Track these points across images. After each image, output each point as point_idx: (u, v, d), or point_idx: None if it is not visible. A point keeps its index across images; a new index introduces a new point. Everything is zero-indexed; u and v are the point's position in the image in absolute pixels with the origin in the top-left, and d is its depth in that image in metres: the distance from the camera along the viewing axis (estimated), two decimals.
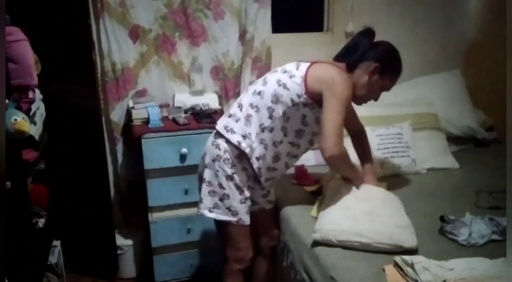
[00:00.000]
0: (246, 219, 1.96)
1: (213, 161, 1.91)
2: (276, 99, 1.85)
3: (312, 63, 1.89)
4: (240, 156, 1.90)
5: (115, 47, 2.58)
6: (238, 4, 2.69)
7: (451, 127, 2.85)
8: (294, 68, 1.89)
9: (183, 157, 2.42)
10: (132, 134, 2.49)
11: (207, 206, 1.94)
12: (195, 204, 2.43)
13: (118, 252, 2.70)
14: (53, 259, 2.30)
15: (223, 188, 1.91)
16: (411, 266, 1.54)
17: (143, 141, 2.39)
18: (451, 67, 3.12)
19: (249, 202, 1.97)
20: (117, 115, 2.67)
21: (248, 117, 1.89)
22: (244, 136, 1.88)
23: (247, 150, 1.88)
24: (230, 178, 1.90)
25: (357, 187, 1.99)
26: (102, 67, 2.62)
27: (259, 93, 1.89)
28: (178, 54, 2.73)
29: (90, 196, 2.68)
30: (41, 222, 2.06)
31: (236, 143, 1.87)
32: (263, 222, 2.15)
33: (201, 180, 1.99)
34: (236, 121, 1.91)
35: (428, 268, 1.53)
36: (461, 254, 1.68)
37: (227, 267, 2.09)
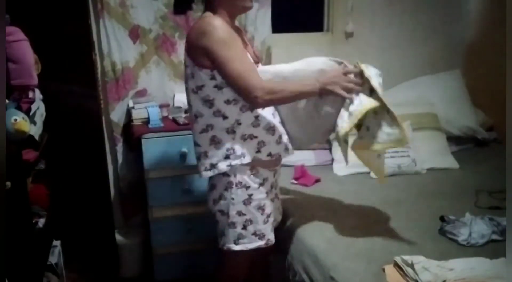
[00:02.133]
0: (272, 238, 1.84)
1: (226, 189, 1.77)
2: (208, 103, 1.69)
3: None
4: (253, 169, 1.76)
5: (115, 47, 2.58)
6: None
7: (451, 127, 2.85)
8: (185, 72, 1.76)
9: (183, 157, 2.42)
10: (132, 134, 2.49)
11: (231, 239, 1.79)
12: (195, 203, 2.45)
13: (118, 252, 2.70)
14: (53, 259, 2.30)
15: (243, 215, 1.77)
16: (411, 266, 1.55)
17: (143, 140, 2.39)
18: (451, 67, 3.12)
19: (272, 218, 1.85)
20: (117, 115, 2.67)
21: (213, 139, 1.73)
22: (227, 156, 1.72)
23: (245, 160, 1.73)
24: (247, 201, 1.76)
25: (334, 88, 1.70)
26: (102, 67, 2.62)
27: (195, 118, 1.74)
28: (178, 54, 2.72)
29: (90, 196, 2.68)
30: (41, 222, 2.06)
31: (227, 168, 1.73)
32: None
33: (212, 214, 1.85)
34: (206, 155, 1.76)
35: (428, 268, 1.53)
36: (461, 254, 1.68)
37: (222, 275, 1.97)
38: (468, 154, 2.81)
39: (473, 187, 2.28)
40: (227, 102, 1.69)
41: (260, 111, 1.74)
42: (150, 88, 2.72)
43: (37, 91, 2.12)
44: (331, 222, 1.99)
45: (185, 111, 2.64)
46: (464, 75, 3.12)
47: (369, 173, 2.52)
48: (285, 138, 1.83)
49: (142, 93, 2.70)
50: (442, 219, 1.88)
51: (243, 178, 1.75)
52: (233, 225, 1.78)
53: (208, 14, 1.69)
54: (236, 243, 1.80)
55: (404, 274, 1.55)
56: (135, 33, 2.61)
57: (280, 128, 1.81)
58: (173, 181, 2.46)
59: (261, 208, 1.79)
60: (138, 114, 2.56)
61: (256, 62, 1.82)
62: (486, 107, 3.08)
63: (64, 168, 2.64)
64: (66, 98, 2.56)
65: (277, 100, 1.70)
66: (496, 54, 2.72)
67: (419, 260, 1.57)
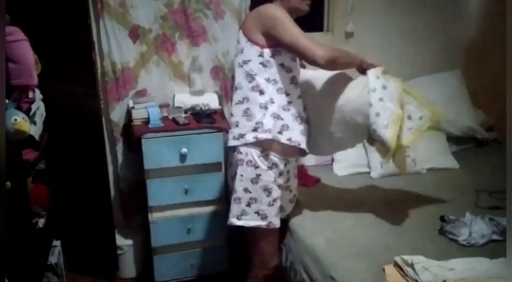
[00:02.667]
0: (277, 222, 1.90)
1: (236, 166, 1.89)
2: (250, 77, 1.85)
3: (240, 27, 1.93)
4: (264, 151, 1.86)
5: (115, 47, 2.58)
6: (238, 4, 2.69)
7: (451, 127, 2.85)
8: (238, 45, 1.90)
9: (183, 157, 2.42)
10: (132, 134, 2.49)
11: (235, 214, 1.90)
12: (195, 203, 2.45)
13: (118, 252, 2.70)
14: (53, 259, 2.30)
15: (249, 192, 1.87)
16: (411, 266, 1.55)
17: (143, 140, 2.39)
18: (451, 67, 3.12)
19: (278, 203, 1.90)
20: (117, 115, 2.67)
21: (246, 112, 1.87)
22: (256, 129, 1.85)
23: (268, 135, 1.84)
24: (255, 180, 1.86)
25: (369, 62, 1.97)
26: (102, 67, 2.62)
27: (236, 88, 1.90)
28: (178, 54, 2.72)
29: (90, 196, 2.68)
30: (41, 222, 2.06)
31: (253, 140, 1.84)
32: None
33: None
34: (237, 125, 1.89)
35: (428, 268, 1.53)
36: (461, 254, 1.68)
37: (251, 272, 2.04)
38: (468, 154, 2.81)
39: (473, 187, 2.28)
40: (267, 80, 1.84)
41: (293, 98, 1.88)
42: (150, 88, 2.72)
43: (37, 91, 2.11)
44: (331, 222, 1.99)
45: (185, 111, 2.65)
46: (464, 75, 3.12)
47: (369, 173, 2.52)
48: (305, 134, 1.93)
49: (142, 93, 2.70)
50: (442, 219, 1.88)
51: (253, 158, 1.85)
52: (238, 200, 1.88)
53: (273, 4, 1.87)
54: (238, 218, 1.89)
55: (404, 274, 1.56)
56: (135, 33, 2.61)
57: (305, 125, 1.94)
58: (173, 181, 2.46)
59: (267, 190, 1.86)
60: (138, 114, 2.55)
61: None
62: (486, 107, 3.08)
63: (64, 168, 2.63)
64: (66, 98, 2.55)
65: (334, 66, 1.86)
66: (496, 54, 2.72)
67: (419, 260, 1.57)
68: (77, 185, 2.69)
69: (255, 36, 1.82)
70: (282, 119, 1.86)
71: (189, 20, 2.67)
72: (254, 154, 1.85)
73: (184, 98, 2.71)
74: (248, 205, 1.87)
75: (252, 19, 1.85)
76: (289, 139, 1.87)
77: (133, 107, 2.58)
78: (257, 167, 1.85)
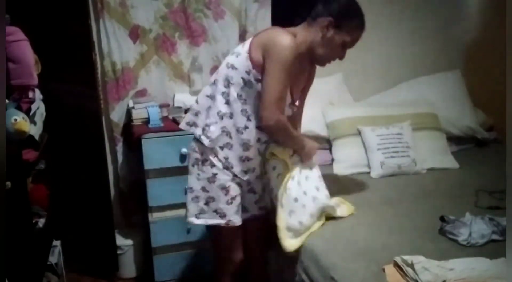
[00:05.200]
0: (236, 220, 1.88)
1: (193, 165, 1.87)
2: (227, 82, 1.79)
3: (255, 35, 1.82)
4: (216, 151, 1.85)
5: (115, 47, 2.58)
6: (238, 4, 2.70)
7: (451, 127, 2.85)
8: (240, 47, 1.83)
9: (183, 157, 2.42)
10: (132, 134, 2.49)
11: (193, 213, 1.88)
12: None
13: (118, 252, 2.70)
14: (53, 259, 2.30)
15: (207, 191, 1.85)
16: (411, 266, 1.54)
17: (143, 141, 2.39)
18: (451, 67, 3.12)
19: (237, 201, 1.88)
20: (117, 115, 2.67)
21: (208, 109, 1.84)
22: (203, 129, 1.83)
23: (206, 142, 1.81)
24: (211, 179, 1.83)
25: (304, 158, 1.91)
26: (102, 67, 2.62)
27: (214, 82, 1.85)
28: (178, 54, 2.73)
29: (90, 196, 2.68)
30: (41, 222, 2.06)
31: (197, 136, 1.84)
32: (254, 231, 2.03)
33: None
34: (196, 114, 1.87)
35: (428, 268, 1.53)
36: (461, 254, 1.68)
37: (218, 268, 2.04)
38: (468, 154, 2.81)
39: (473, 187, 2.27)
40: (239, 96, 1.78)
41: (251, 125, 1.80)
42: (150, 88, 2.72)
43: (37, 91, 2.12)
44: (331, 222, 1.99)
45: (185, 111, 2.65)
46: (464, 75, 3.12)
47: (369, 173, 2.52)
48: (244, 161, 1.86)
49: (142, 93, 2.70)
50: (442, 219, 1.88)
51: (208, 157, 1.83)
52: (196, 199, 1.86)
53: (293, 31, 1.79)
54: (197, 217, 1.88)
55: (404, 274, 1.55)
56: (135, 33, 2.61)
57: (259, 159, 1.90)
58: (173, 181, 2.46)
59: (224, 189, 1.85)
60: (138, 114, 2.56)
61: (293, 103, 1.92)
62: (486, 107, 3.08)
63: (64, 168, 2.63)
64: (66, 98, 2.55)
65: (277, 133, 1.81)
66: (496, 54, 2.72)
67: (419, 260, 1.57)
68: (77, 185, 2.69)
69: (255, 52, 1.73)
70: (230, 138, 1.81)
71: (189, 20, 2.68)
72: (209, 152, 1.83)
73: (184, 98, 2.71)
74: (207, 203, 1.85)
75: (266, 37, 1.75)
76: (226, 158, 1.82)
77: (133, 107, 2.58)
78: (213, 166, 1.83)
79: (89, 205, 2.69)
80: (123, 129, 2.70)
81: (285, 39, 1.70)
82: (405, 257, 1.59)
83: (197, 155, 1.86)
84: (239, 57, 1.78)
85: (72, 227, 2.68)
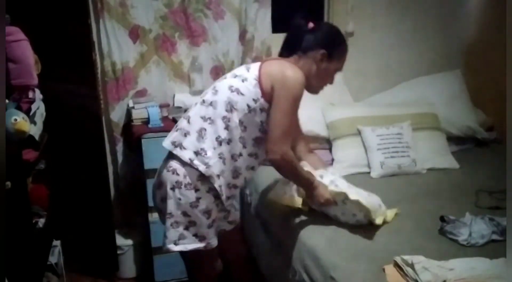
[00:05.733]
0: (214, 242, 1.83)
1: (172, 189, 1.72)
2: (230, 107, 1.71)
3: (263, 62, 1.80)
4: (201, 177, 1.73)
5: (115, 47, 2.58)
6: (238, 4, 2.70)
7: (451, 127, 2.85)
8: (244, 71, 1.77)
9: None
10: (132, 134, 2.49)
11: (172, 239, 1.76)
12: None
13: (118, 252, 2.70)
14: (53, 259, 2.30)
15: (188, 216, 1.74)
16: (411, 266, 1.54)
17: (143, 141, 2.39)
18: (451, 67, 3.12)
19: (216, 222, 1.84)
20: (117, 115, 2.67)
21: (200, 132, 1.72)
22: (197, 153, 1.71)
23: (201, 168, 1.70)
24: (194, 204, 1.72)
25: (312, 201, 1.90)
26: (102, 67, 2.62)
27: (211, 103, 1.74)
28: (178, 54, 2.73)
29: (90, 196, 2.68)
30: (41, 222, 2.06)
31: (188, 161, 1.70)
32: (226, 242, 1.97)
33: (160, 212, 1.84)
34: (185, 135, 1.74)
35: (428, 268, 1.53)
36: (461, 254, 1.68)
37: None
38: (468, 154, 2.81)
39: (473, 187, 2.27)
40: (240, 123, 1.73)
41: (245, 153, 1.77)
42: (150, 88, 2.72)
43: (37, 91, 2.11)
44: (332, 222, 1.99)
45: (185, 111, 2.64)
46: (464, 75, 3.12)
47: (369, 173, 2.52)
48: (232, 187, 1.83)
49: (142, 93, 2.70)
50: (442, 219, 1.88)
51: (192, 180, 1.72)
52: (176, 224, 1.75)
53: (301, 65, 1.78)
54: (176, 244, 1.77)
55: (404, 274, 1.55)
56: (135, 33, 2.61)
57: (239, 181, 1.84)
58: None
59: (207, 212, 1.76)
60: (138, 114, 2.56)
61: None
62: (486, 107, 3.08)
63: (64, 168, 2.63)
64: (66, 98, 2.55)
65: (284, 168, 1.77)
66: (496, 54, 2.72)
67: (419, 260, 1.57)
68: (77, 185, 2.69)
69: (265, 81, 1.70)
70: (224, 164, 1.74)
71: (189, 20, 2.68)
72: (193, 175, 1.72)
73: (184, 98, 2.71)
74: (187, 228, 1.75)
75: (277, 68, 1.73)
76: (220, 186, 1.75)
77: (133, 107, 2.58)
78: (197, 190, 1.72)
79: (89, 205, 2.68)
80: (123, 129, 2.70)
81: (297, 74, 1.71)
82: (405, 257, 1.59)
83: (178, 178, 1.72)
84: (245, 83, 1.73)
85: (72, 227, 2.68)
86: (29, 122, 1.77)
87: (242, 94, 1.72)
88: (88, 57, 2.47)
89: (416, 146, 2.56)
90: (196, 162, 1.71)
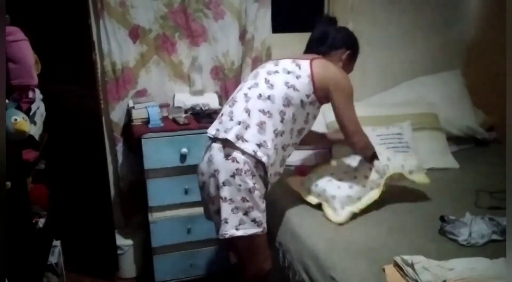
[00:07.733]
0: (265, 227, 1.91)
1: (233, 176, 1.82)
2: (287, 102, 1.87)
3: (311, 60, 1.92)
4: (257, 165, 1.84)
5: (115, 47, 2.58)
6: (238, 4, 2.70)
7: (451, 127, 2.85)
8: (296, 68, 1.91)
9: (183, 157, 2.42)
10: (132, 134, 2.49)
11: (234, 224, 1.83)
12: (195, 204, 2.44)
13: (118, 252, 2.70)
14: (53, 259, 2.30)
15: (247, 201, 1.83)
16: (411, 266, 1.55)
17: (143, 141, 2.39)
18: (451, 67, 3.12)
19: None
20: (117, 115, 2.67)
21: (261, 125, 1.84)
22: (259, 145, 1.83)
23: (264, 159, 1.82)
24: (252, 189, 1.83)
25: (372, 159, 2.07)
26: (102, 67, 2.62)
27: (269, 97, 1.87)
28: (178, 54, 2.73)
29: (90, 196, 2.68)
30: (41, 222, 2.06)
31: (252, 153, 1.81)
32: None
33: (213, 200, 1.91)
34: (246, 128, 1.84)
35: (428, 268, 1.53)
36: (461, 254, 1.68)
37: (246, 279, 2.02)
38: (468, 154, 2.81)
39: (473, 187, 2.28)
40: (293, 116, 1.89)
41: (290, 144, 1.95)
42: (150, 88, 2.72)
43: (37, 91, 2.11)
44: (331, 221, 1.99)
45: (185, 111, 2.65)
46: (464, 75, 3.12)
47: None
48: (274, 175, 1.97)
49: (142, 93, 2.70)
50: (442, 219, 1.88)
51: (250, 166, 1.83)
52: (236, 210, 1.83)
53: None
54: (237, 229, 1.84)
55: (404, 274, 1.55)
56: (135, 33, 2.61)
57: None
58: (173, 181, 2.46)
59: (262, 197, 1.87)
60: (138, 114, 2.55)
61: None
62: (486, 107, 3.08)
63: (64, 168, 2.63)
64: (66, 98, 2.55)
65: (364, 152, 2.05)
66: (496, 54, 2.72)
67: (419, 260, 1.57)
68: (77, 185, 2.69)
69: (318, 80, 1.89)
70: (276, 154, 1.90)
71: (189, 20, 2.68)
72: (251, 163, 1.82)
73: (184, 98, 2.71)
74: (246, 213, 1.83)
75: (327, 69, 1.92)
76: (270, 175, 1.90)
77: (133, 107, 2.58)
78: (254, 176, 1.83)
79: (89, 205, 2.69)
80: (123, 129, 2.70)
81: (344, 73, 1.96)
82: (405, 257, 1.59)
83: (239, 166, 1.82)
84: (300, 80, 1.88)
85: (72, 227, 2.68)
86: (29, 122, 1.77)
87: (297, 90, 1.88)
88: (88, 57, 2.47)
89: (416, 146, 2.56)
90: (259, 154, 1.83)
